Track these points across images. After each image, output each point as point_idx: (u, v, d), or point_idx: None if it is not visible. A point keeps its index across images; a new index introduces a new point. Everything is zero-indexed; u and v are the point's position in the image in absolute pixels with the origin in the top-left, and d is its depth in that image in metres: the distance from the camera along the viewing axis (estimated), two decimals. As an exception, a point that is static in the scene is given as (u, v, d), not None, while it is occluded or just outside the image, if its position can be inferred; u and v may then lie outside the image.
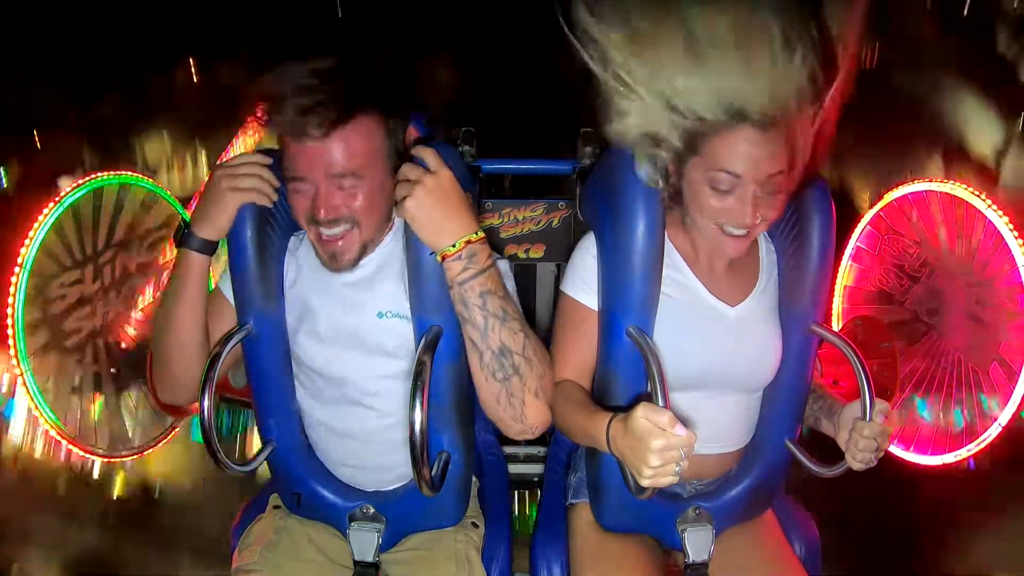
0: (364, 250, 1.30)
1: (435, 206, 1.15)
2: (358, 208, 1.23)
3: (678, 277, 1.32)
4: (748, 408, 1.40)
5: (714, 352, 1.31)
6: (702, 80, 1.09)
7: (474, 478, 1.56)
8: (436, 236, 1.16)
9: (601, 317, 1.30)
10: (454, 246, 1.15)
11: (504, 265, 1.32)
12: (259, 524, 1.47)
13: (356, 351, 1.33)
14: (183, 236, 1.27)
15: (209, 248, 1.28)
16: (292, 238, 1.41)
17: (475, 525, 1.48)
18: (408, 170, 1.18)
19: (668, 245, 1.31)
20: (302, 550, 1.42)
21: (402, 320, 1.30)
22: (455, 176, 1.19)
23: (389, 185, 1.25)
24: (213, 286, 1.42)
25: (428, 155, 1.18)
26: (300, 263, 1.38)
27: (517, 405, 1.20)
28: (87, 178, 2.18)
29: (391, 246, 1.35)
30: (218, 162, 1.29)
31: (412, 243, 1.23)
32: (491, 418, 1.25)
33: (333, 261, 1.27)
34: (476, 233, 1.17)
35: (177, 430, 2.53)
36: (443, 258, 1.16)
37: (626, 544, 1.41)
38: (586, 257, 1.33)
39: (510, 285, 1.30)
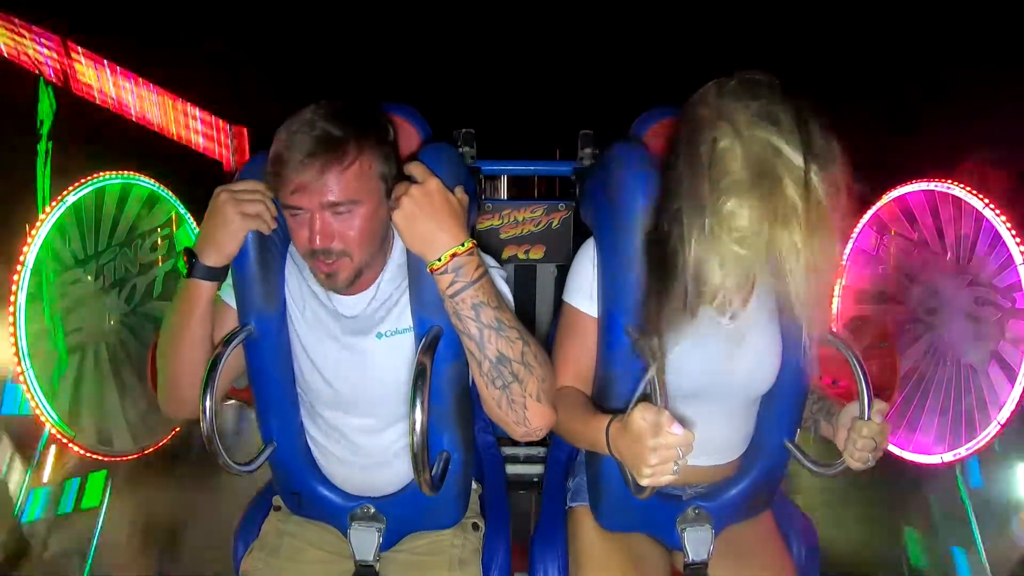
0: (359, 274, 1.28)
1: (421, 217, 1.15)
2: (351, 239, 1.22)
3: None
4: (746, 417, 1.40)
5: (712, 363, 1.30)
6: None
7: (476, 483, 1.56)
8: (423, 248, 1.16)
9: (601, 318, 1.30)
10: (439, 260, 1.15)
11: (499, 276, 1.32)
12: (262, 528, 1.48)
13: (359, 374, 1.33)
14: (190, 267, 1.25)
15: (216, 274, 1.26)
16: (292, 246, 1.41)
17: (476, 527, 1.49)
18: (399, 187, 1.18)
19: None
20: (304, 552, 1.43)
21: (402, 335, 1.31)
22: (449, 179, 1.20)
23: (384, 212, 1.25)
24: None
25: (416, 169, 1.18)
26: (305, 287, 1.38)
27: (519, 410, 1.20)
28: (89, 178, 2.19)
29: (392, 273, 1.35)
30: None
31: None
32: (495, 421, 1.25)
33: (328, 280, 1.26)
34: (463, 244, 1.16)
35: (178, 429, 2.54)
36: (431, 271, 1.16)
37: (627, 545, 1.41)
38: (586, 264, 1.33)
39: (503, 288, 1.29)
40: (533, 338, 1.20)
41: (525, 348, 1.17)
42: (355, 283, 1.28)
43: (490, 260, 1.31)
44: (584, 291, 1.32)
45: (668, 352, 1.22)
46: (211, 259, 1.24)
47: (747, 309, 1.33)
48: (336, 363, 1.33)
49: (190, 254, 1.25)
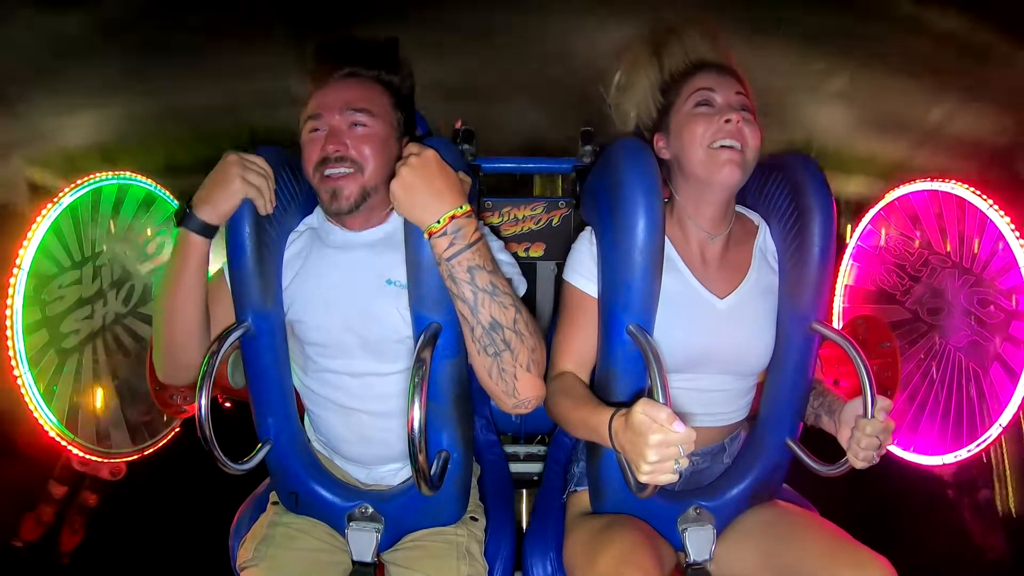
0: (365, 196, 1.33)
1: (418, 184, 1.16)
2: (364, 152, 1.31)
3: (672, 268, 1.34)
4: (740, 390, 1.43)
5: (703, 340, 1.34)
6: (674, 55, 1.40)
7: (475, 464, 1.56)
8: (420, 214, 1.17)
9: (602, 314, 1.30)
10: (438, 222, 1.16)
11: (498, 247, 1.35)
12: (257, 521, 1.47)
13: (364, 316, 1.34)
14: (184, 216, 1.27)
15: (209, 231, 1.28)
16: (290, 238, 1.42)
17: (474, 519, 1.48)
18: (399, 164, 1.20)
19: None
20: (296, 540, 1.41)
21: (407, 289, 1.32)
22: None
23: (393, 148, 1.35)
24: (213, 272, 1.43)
25: (412, 146, 1.21)
26: (307, 247, 1.41)
27: (509, 380, 1.21)
28: (86, 179, 2.18)
29: (396, 223, 1.38)
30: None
31: (411, 241, 1.23)
32: (486, 391, 1.26)
33: (334, 199, 1.32)
34: (461, 207, 1.17)
35: (178, 429, 2.53)
36: (429, 235, 1.17)
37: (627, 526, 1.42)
38: (585, 245, 1.37)
39: (504, 257, 1.34)
40: (524, 307, 1.22)
41: (517, 315, 1.18)
42: (360, 209, 1.33)
43: (485, 229, 1.35)
44: (583, 268, 1.35)
45: (660, 328, 1.28)
46: (205, 213, 1.26)
47: (737, 291, 1.36)
48: (351, 298, 1.35)
49: (188, 205, 1.27)
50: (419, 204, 1.16)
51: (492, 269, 1.19)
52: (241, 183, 1.26)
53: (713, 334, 1.34)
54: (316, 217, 1.46)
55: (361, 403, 1.39)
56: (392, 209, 1.39)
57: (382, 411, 1.38)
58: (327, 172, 1.31)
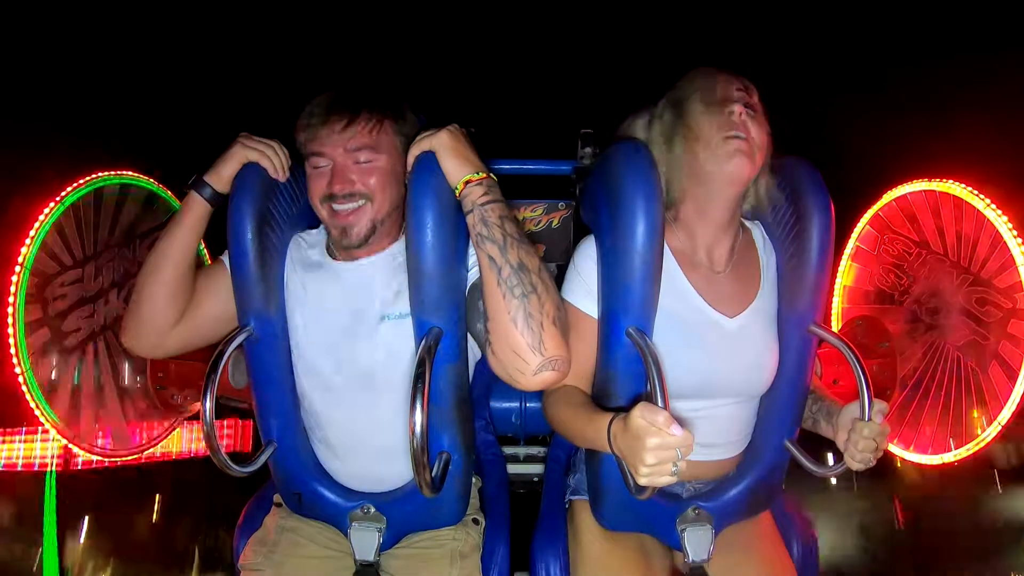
0: (374, 229, 1.35)
1: (460, 141, 1.23)
2: (372, 184, 1.33)
3: (675, 287, 1.33)
4: (745, 414, 1.42)
5: (711, 363, 1.33)
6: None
7: (476, 477, 1.57)
8: (463, 163, 1.22)
9: (601, 318, 1.30)
10: (478, 173, 1.22)
11: None
12: (263, 523, 1.49)
13: (366, 354, 1.35)
14: (192, 181, 1.36)
15: (213, 198, 1.36)
16: (292, 245, 1.43)
17: (476, 522, 1.49)
18: (420, 134, 1.26)
19: (666, 251, 1.31)
20: (303, 547, 1.43)
21: (406, 319, 1.32)
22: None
23: (400, 175, 1.36)
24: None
25: (424, 132, 1.26)
26: (307, 268, 1.41)
27: (536, 329, 1.19)
28: (88, 177, 2.18)
29: (398, 249, 1.39)
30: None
31: (412, 245, 1.24)
32: (504, 358, 1.22)
33: (344, 236, 1.34)
34: (492, 176, 1.24)
35: (177, 429, 2.53)
36: (467, 183, 1.21)
37: (627, 541, 1.42)
38: (586, 261, 1.35)
39: None
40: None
41: (542, 267, 1.21)
42: (368, 241, 1.35)
43: None
44: (584, 289, 1.34)
45: (668, 351, 1.24)
46: (209, 175, 1.34)
47: (747, 311, 1.34)
48: (347, 337, 1.36)
49: (198, 173, 1.36)
50: (461, 154, 1.23)
51: (520, 227, 1.23)
52: (241, 148, 1.33)
53: (721, 357, 1.33)
54: (317, 246, 1.46)
55: (364, 438, 1.40)
56: (399, 237, 1.41)
57: (385, 447, 1.39)
58: (336, 207, 1.33)
